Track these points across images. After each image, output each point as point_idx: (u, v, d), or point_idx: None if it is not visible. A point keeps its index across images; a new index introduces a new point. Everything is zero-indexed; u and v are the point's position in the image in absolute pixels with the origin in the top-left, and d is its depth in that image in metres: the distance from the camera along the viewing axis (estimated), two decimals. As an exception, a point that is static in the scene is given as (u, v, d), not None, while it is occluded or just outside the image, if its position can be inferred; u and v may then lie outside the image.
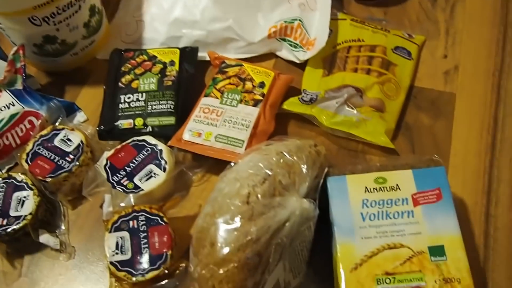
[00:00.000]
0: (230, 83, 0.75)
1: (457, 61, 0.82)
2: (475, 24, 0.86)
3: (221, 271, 0.55)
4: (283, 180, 0.58)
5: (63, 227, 0.70)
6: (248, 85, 0.75)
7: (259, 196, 0.57)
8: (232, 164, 0.63)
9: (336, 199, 0.60)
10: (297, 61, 0.80)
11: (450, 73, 0.81)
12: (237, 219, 0.56)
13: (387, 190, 0.60)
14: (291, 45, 0.81)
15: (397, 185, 0.60)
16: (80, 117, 0.80)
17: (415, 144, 0.74)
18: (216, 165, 0.70)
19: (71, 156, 0.71)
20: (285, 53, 0.82)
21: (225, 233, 0.55)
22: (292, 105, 0.75)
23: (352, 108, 0.74)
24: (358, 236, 0.58)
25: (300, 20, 0.80)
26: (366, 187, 0.61)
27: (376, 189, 0.60)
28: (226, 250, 0.55)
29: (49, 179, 0.69)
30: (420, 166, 0.62)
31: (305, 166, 0.60)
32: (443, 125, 0.76)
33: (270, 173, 0.58)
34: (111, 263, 0.62)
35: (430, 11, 0.88)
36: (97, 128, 0.74)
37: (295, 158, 0.61)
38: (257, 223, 0.55)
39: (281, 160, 0.60)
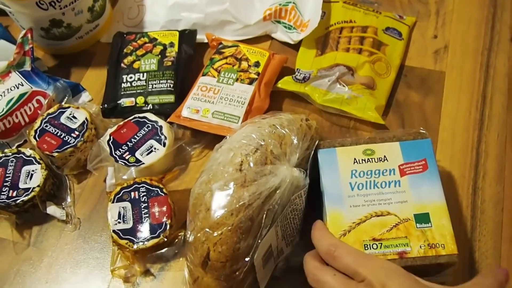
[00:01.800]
0: (226, 63, 0.78)
1: (446, 41, 0.84)
2: (465, 5, 0.88)
3: (215, 234, 0.58)
4: (274, 150, 0.61)
5: (69, 200, 0.74)
6: (244, 64, 0.78)
7: (251, 164, 0.60)
8: (227, 137, 0.66)
9: (327, 170, 0.63)
10: (291, 42, 0.84)
11: (440, 52, 0.83)
12: (231, 185, 0.59)
13: (375, 161, 0.63)
14: (285, 27, 0.84)
15: (384, 156, 0.63)
16: (85, 97, 0.83)
17: (405, 120, 0.77)
18: (214, 141, 0.72)
19: (76, 133, 0.75)
20: (280, 34, 0.85)
21: (219, 198, 0.58)
22: (286, 83, 0.79)
23: (344, 86, 0.77)
24: (347, 205, 0.60)
25: (294, 3, 0.83)
26: (355, 159, 0.63)
27: (365, 160, 0.63)
28: (220, 213, 0.58)
29: (55, 154, 0.73)
30: (407, 139, 0.64)
31: (296, 138, 0.63)
32: (432, 102, 0.78)
33: (262, 143, 0.62)
34: (114, 231, 0.66)
35: (421, -7, 0.90)
36: (101, 107, 0.78)
37: (286, 130, 0.64)
38: (249, 189, 0.58)
39: (273, 132, 0.63)
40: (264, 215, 0.58)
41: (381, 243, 0.58)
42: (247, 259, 0.58)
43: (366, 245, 0.58)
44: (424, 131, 0.64)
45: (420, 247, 0.57)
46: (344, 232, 0.59)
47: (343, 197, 0.61)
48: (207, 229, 0.58)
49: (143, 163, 0.71)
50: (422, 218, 0.59)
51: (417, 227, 0.58)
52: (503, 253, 0.66)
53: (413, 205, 0.59)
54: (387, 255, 0.57)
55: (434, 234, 0.58)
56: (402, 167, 0.62)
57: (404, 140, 0.64)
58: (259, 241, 0.58)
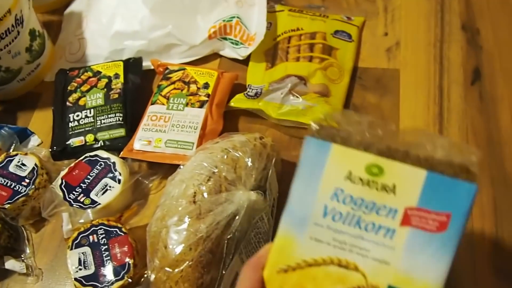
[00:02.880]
0: (174, 88, 0.76)
1: (398, 37, 0.83)
2: (413, -2, 0.87)
3: (176, 272, 0.56)
4: (228, 176, 0.59)
5: (28, 251, 0.71)
6: (193, 87, 0.76)
7: (205, 194, 0.58)
8: (181, 167, 0.64)
9: (304, 172, 0.42)
10: (240, 58, 0.81)
11: (392, 50, 0.82)
12: (186, 219, 0.57)
13: (376, 189, 0.41)
14: (232, 43, 0.82)
15: (394, 185, 0.40)
16: (34, 141, 0.80)
17: (365, 123, 0.75)
18: (171, 170, 0.69)
19: (27, 180, 0.72)
20: (228, 51, 0.83)
21: (175, 234, 0.57)
22: (239, 101, 0.76)
23: (297, 97, 0.75)
24: (308, 234, 0.41)
25: (238, 17, 0.81)
26: (350, 172, 0.41)
27: (363, 181, 0.41)
28: (178, 250, 0.56)
29: (7, 206, 0.70)
30: (444, 171, 0.40)
31: (250, 160, 0.61)
32: (390, 101, 0.77)
33: (215, 170, 0.60)
34: (76, 279, 0.63)
35: (367, -9, 0.89)
36: (50, 150, 0.75)
37: (239, 153, 0.62)
38: (205, 221, 0.56)
39: (226, 157, 0.61)
40: (225, 245, 0.57)
41: None
42: (213, 292, 0.56)
43: None
44: (474, 171, 0.39)
45: None
46: (287, 268, 0.41)
47: (308, 221, 0.41)
48: (167, 268, 0.56)
49: (99, 204, 0.69)
50: None
51: None
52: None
53: (395, 272, 0.40)
54: None
55: None
56: (410, 212, 0.40)
57: (438, 172, 0.39)
58: (224, 271, 0.56)
